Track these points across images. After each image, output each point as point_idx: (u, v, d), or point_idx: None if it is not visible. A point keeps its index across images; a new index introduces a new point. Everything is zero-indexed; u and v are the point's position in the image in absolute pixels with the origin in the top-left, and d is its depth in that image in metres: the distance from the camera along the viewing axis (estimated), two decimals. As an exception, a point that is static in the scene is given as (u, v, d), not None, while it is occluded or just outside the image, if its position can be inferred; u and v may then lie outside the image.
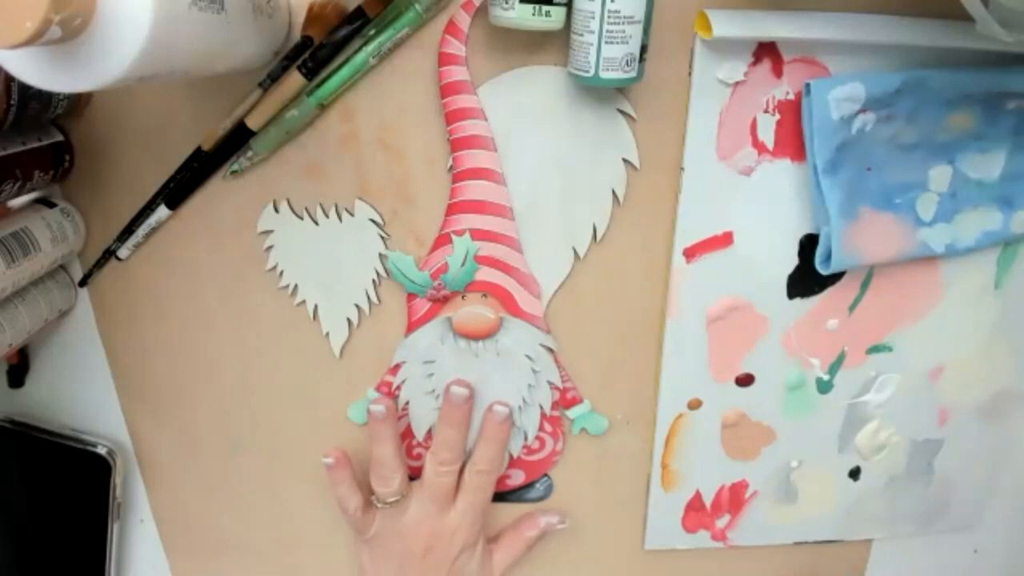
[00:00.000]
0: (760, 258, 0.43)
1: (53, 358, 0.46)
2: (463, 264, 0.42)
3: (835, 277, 0.44)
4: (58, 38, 0.22)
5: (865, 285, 0.45)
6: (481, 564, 0.46)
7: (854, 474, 0.50)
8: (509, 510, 0.50)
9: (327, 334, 0.45)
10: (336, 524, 0.48)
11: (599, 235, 0.42)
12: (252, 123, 0.39)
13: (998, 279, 0.46)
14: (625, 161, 0.41)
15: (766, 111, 0.40)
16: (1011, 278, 0.46)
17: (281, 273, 0.43)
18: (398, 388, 0.46)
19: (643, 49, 0.35)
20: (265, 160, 0.40)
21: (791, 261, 0.44)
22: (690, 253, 0.43)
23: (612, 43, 0.34)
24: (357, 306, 0.44)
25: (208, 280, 0.44)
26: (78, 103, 0.39)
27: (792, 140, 0.40)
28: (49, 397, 0.47)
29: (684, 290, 0.43)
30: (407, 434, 0.47)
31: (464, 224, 0.42)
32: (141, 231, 0.42)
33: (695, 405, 0.47)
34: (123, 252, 0.43)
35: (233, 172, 0.40)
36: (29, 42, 0.21)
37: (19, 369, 0.46)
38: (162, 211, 0.41)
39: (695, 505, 0.50)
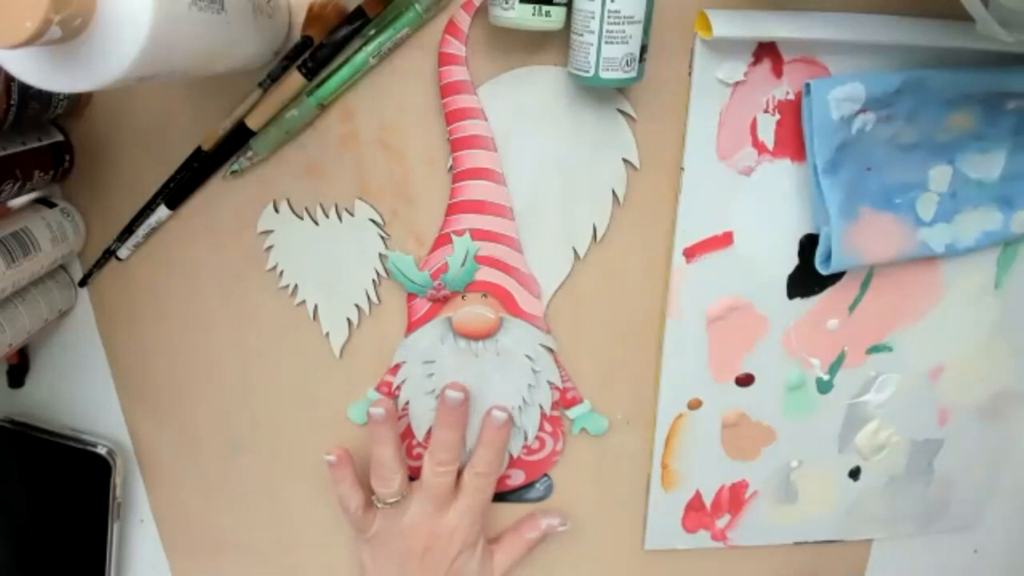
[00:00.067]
0: (760, 258, 0.43)
1: (53, 358, 0.46)
2: (463, 264, 0.42)
3: (835, 277, 0.44)
4: (58, 38, 0.22)
5: (865, 285, 0.45)
6: (481, 564, 0.46)
7: (854, 474, 0.50)
8: (509, 510, 0.50)
9: (327, 334, 0.45)
10: (336, 524, 0.48)
11: (599, 235, 0.42)
12: (252, 123, 0.39)
13: (998, 279, 0.46)
14: (625, 161, 0.41)
15: (766, 111, 0.40)
16: (1011, 278, 0.46)
17: (281, 273, 0.43)
18: (398, 388, 0.46)
19: (643, 49, 0.35)
20: (265, 160, 0.40)
21: (791, 261, 0.44)
22: (690, 253, 0.43)
23: (612, 43, 0.34)
24: (357, 306, 0.44)
25: (208, 280, 0.44)
26: (78, 103, 0.39)
27: (792, 140, 0.40)
28: (49, 397, 0.47)
29: (684, 290, 0.43)
30: (407, 434, 0.47)
31: (464, 224, 0.42)
32: (141, 231, 0.42)
33: (695, 405, 0.47)
34: (123, 252, 0.43)
35: (233, 172, 0.40)
36: (29, 42, 0.21)
37: (19, 369, 0.46)
38: (162, 211, 0.41)
39: (695, 505, 0.50)
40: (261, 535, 0.51)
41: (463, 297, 0.44)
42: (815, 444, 0.49)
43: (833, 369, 0.47)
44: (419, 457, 0.48)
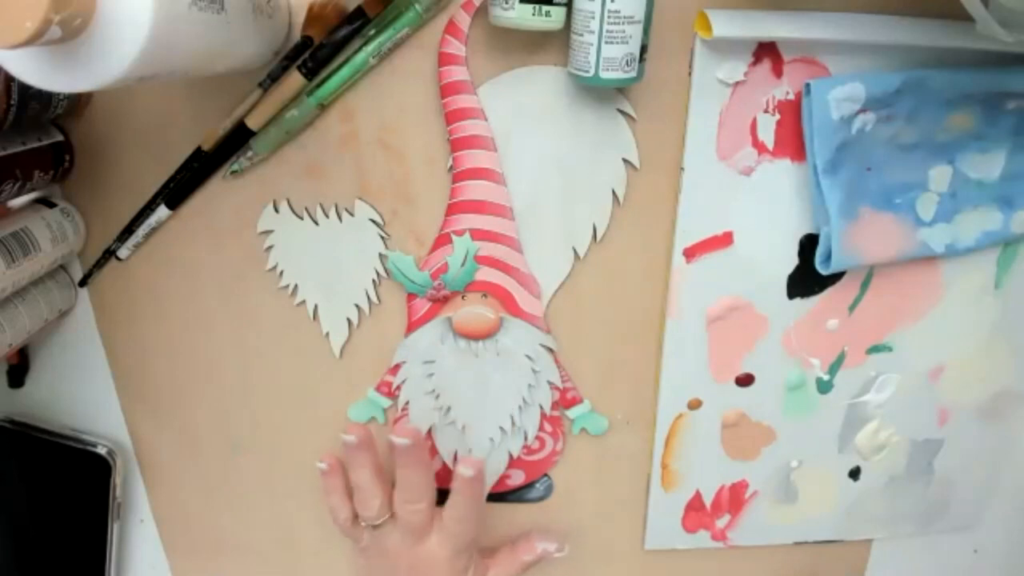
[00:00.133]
0: (760, 258, 0.43)
1: (53, 358, 0.46)
2: (463, 264, 0.42)
3: (835, 277, 0.44)
4: (58, 38, 0.22)
5: (865, 285, 0.45)
6: None
7: (854, 474, 0.50)
8: (509, 510, 0.50)
9: (327, 334, 0.45)
10: (336, 524, 0.48)
11: (599, 235, 0.42)
12: (252, 123, 0.39)
13: (998, 279, 0.46)
14: (625, 161, 0.41)
15: (766, 111, 0.40)
16: (1011, 278, 0.46)
17: (281, 273, 0.43)
18: (398, 388, 0.46)
19: (643, 49, 0.35)
20: (265, 160, 0.40)
21: (791, 261, 0.44)
22: (690, 253, 0.43)
23: (612, 43, 0.34)
24: (357, 306, 0.44)
25: (208, 280, 0.44)
26: (78, 103, 0.39)
27: (792, 140, 0.40)
28: (49, 397, 0.47)
29: (684, 290, 0.43)
30: (407, 434, 0.47)
31: (464, 224, 0.42)
32: (141, 231, 0.42)
33: (695, 405, 0.47)
34: (123, 252, 0.43)
35: (233, 172, 0.40)
36: (29, 42, 0.21)
37: (19, 369, 0.46)
38: (162, 211, 0.41)
39: (695, 505, 0.50)
40: (261, 535, 0.51)
41: (463, 297, 0.44)
42: (815, 444, 0.49)
43: (833, 369, 0.47)
44: (419, 457, 0.48)
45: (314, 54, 0.37)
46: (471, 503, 0.43)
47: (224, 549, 0.51)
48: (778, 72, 0.39)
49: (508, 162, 0.41)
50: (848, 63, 0.39)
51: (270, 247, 0.43)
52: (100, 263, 0.43)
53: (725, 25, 0.36)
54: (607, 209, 0.42)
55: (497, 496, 0.49)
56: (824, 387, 0.47)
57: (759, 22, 0.37)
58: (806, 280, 0.44)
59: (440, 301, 0.44)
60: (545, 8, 0.34)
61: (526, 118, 0.40)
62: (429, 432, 0.47)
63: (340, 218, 0.42)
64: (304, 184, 0.41)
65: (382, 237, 0.42)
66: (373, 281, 0.43)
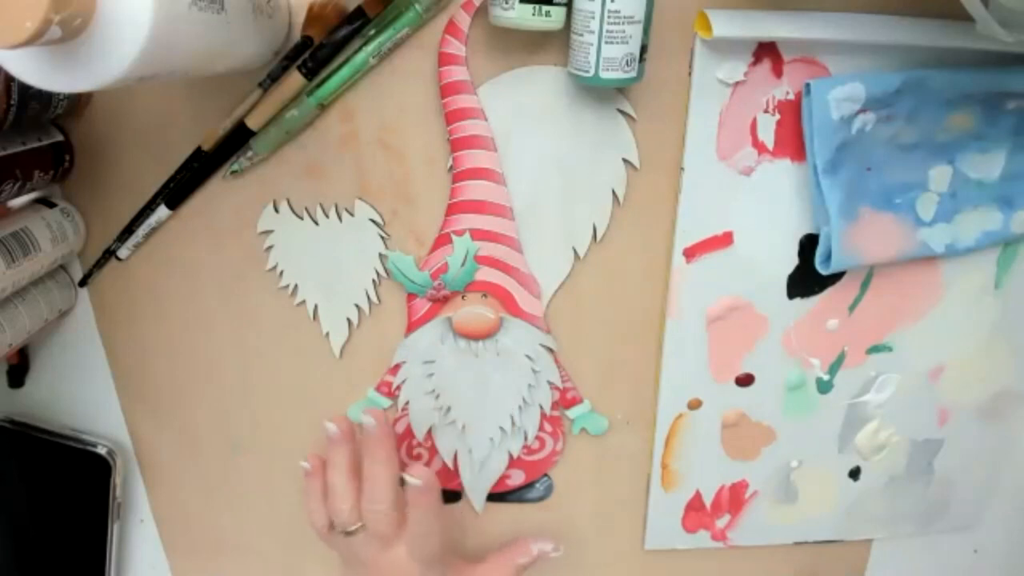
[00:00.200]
0: (760, 258, 0.43)
1: (53, 358, 0.46)
2: (463, 264, 0.42)
3: (835, 277, 0.44)
4: (58, 38, 0.22)
5: (865, 285, 0.45)
6: None
7: (854, 474, 0.50)
8: (509, 510, 0.50)
9: (327, 334, 0.45)
10: (336, 524, 0.48)
11: (599, 235, 0.42)
12: (252, 123, 0.39)
13: (998, 279, 0.46)
14: (625, 161, 0.41)
15: (766, 111, 0.40)
16: (1011, 278, 0.46)
17: (281, 273, 0.43)
18: (398, 388, 0.46)
19: (643, 49, 0.35)
20: (265, 160, 0.40)
21: (791, 261, 0.44)
22: (690, 253, 0.43)
23: (612, 43, 0.34)
24: (357, 306, 0.44)
25: (208, 280, 0.44)
26: (78, 103, 0.39)
27: (792, 140, 0.40)
28: (49, 397, 0.47)
29: (684, 290, 0.43)
30: (407, 434, 0.47)
31: (464, 224, 0.42)
32: (141, 231, 0.42)
33: (695, 405, 0.47)
34: (123, 252, 0.43)
35: (233, 172, 0.40)
36: (29, 42, 0.21)
37: (19, 369, 0.46)
38: (162, 211, 0.41)
39: (695, 505, 0.50)
40: (261, 535, 0.51)
41: (463, 297, 0.44)
42: (815, 444, 0.49)
43: (833, 369, 0.47)
44: (419, 457, 0.48)
45: (314, 54, 0.37)
46: (427, 514, 0.42)
47: (224, 549, 0.51)
48: (778, 72, 0.39)
49: (508, 162, 0.41)
50: (848, 63, 0.39)
51: (270, 247, 0.43)
52: (100, 263, 0.43)
53: (725, 25, 0.36)
54: (607, 209, 0.42)
55: (497, 496, 0.49)
56: (824, 387, 0.47)
57: (759, 22, 0.37)
58: (806, 280, 0.44)
59: (440, 301, 0.44)
60: (545, 8, 0.34)
61: (526, 118, 0.40)
62: (429, 432, 0.47)
63: (340, 218, 0.42)
64: (304, 184, 0.41)
65: (382, 237, 0.42)
66: (373, 281, 0.43)
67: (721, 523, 0.51)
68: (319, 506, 0.44)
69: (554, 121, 0.40)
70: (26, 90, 0.34)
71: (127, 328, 0.45)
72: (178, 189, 0.41)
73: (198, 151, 0.40)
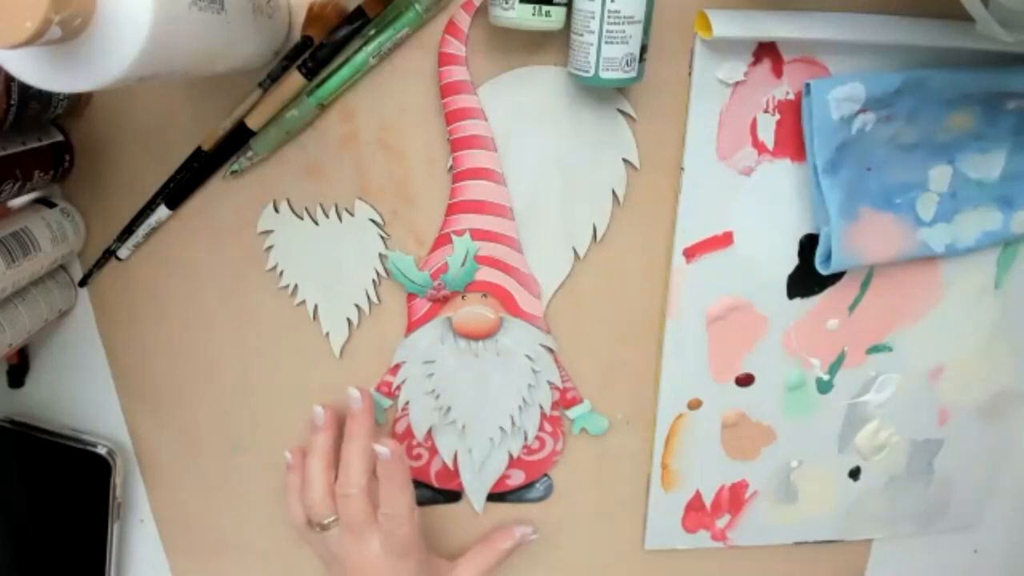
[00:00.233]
0: (760, 258, 0.43)
1: (53, 358, 0.46)
2: (463, 264, 0.42)
3: (835, 277, 0.44)
4: (58, 38, 0.22)
5: (865, 285, 0.45)
6: None
7: (854, 474, 0.50)
8: (509, 510, 0.50)
9: (327, 334, 0.45)
10: (336, 524, 0.48)
11: (599, 235, 0.42)
12: (252, 123, 0.39)
13: (998, 279, 0.46)
14: (625, 161, 0.41)
15: (766, 111, 0.40)
16: (1011, 278, 0.46)
17: (281, 273, 0.43)
18: (398, 388, 0.46)
19: (643, 49, 0.35)
20: (265, 160, 0.40)
21: (791, 261, 0.44)
22: (690, 253, 0.43)
23: (612, 43, 0.34)
24: (357, 306, 0.44)
25: (208, 280, 0.44)
26: (78, 103, 0.39)
27: (792, 140, 0.40)
28: (49, 397, 0.47)
29: (684, 290, 0.43)
30: (407, 434, 0.47)
31: (464, 224, 0.42)
32: (141, 231, 0.42)
33: (695, 405, 0.47)
34: (123, 252, 0.43)
35: (233, 172, 0.40)
36: (29, 42, 0.21)
37: (19, 369, 0.46)
38: (162, 211, 0.41)
39: (695, 505, 0.50)
40: (261, 535, 0.51)
41: (463, 297, 0.44)
42: (815, 444, 0.49)
43: (833, 369, 0.47)
44: (419, 457, 0.48)
45: (314, 54, 0.37)
46: (396, 492, 0.41)
47: (224, 549, 0.51)
48: (778, 72, 0.39)
49: (508, 162, 0.41)
50: (848, 63, 0.39)
51: (270, 247, 0.43)
52: (100, 263, 0.43)
53: (725, 25, 0.36)
54: (607, 209, 0.42)
55: (497, 496, 0.49)
56: (824, 387, 0.47)
57: (759, 22, 0.37)
58: (806, 280, 0.44)
59: (440, 301, 0.44)
60: (545, 8, 0.34)
61: (526, 118, 0.40)
62: (429, 432, 0.47)
63: (340, 218, 0.42)
64: (304, 184, 0.41)
65: (382, 237, 0.42)
66: (373, 281, 0.43)
67: (721, 523, 0.51)
68: (297, 501, 0.44)
69: (554, 121, 0.40)
70: (26, 90, 0.34)
71: (127, 328, 0.45)
72: (178, 189, 0.41)
73: (198, 151, 0.40)
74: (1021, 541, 0.56)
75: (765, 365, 0.46)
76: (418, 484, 0.48)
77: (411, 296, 0.44)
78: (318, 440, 0.43)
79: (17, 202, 0.40)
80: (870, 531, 0.53)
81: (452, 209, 0.42)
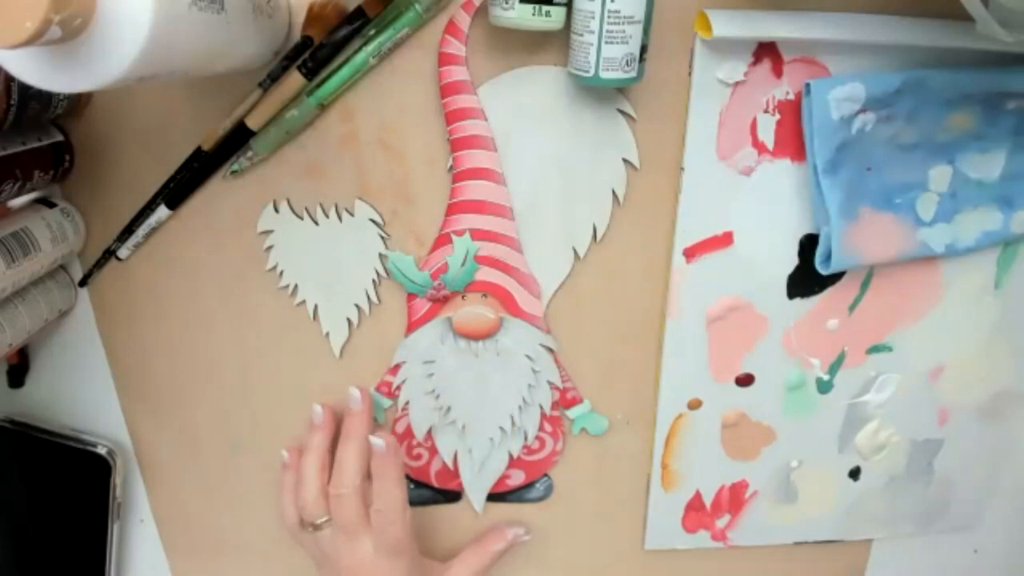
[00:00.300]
0: (760, 258, 0.43)
1: (53, 358, 0.46)
2: (463, 264, 0.42)
3: (835, 277, 0.44)
4: (58, 38, 0.22)
5: (865, 285, 0.45)
6: None
7: (854, 474, 0.50)
8: (509, 510, 0.50)
9: (327, 334, 0.45)
10: (336, 524, 0.48)
11: (599, 235, 0.42)
12: (252, 123, 0.39)
13: (998, 279, 0.46)
14: (625, 161, 0.41)
15: (766, 111, 0.40)
16: (1011, 278, 0.46)
17: (281, 273, 0.43)
18: (398, 388, 0.46)
19: (643, 49, 0.35)
20: (265, 160, 0.40)
21: (791, 261, 0.44)
22: (690, 253, 0.43)
23: (612, 43, 0.34)
24: (357, 306, 0.44)
25: (208, 280, 0.44)
26: (78, 103, 0.39)
27: (792, 140, 0.40)
28: (49, 397, 0.47)
29: (684, 290, 0.43)
30: (407, 434, 0.47)
31: (464, 224, 0.42)
32: (141, 231, 0.42)
33: (695, 405, 0.47)
34: (123, 252, 0.43)
35: (233, 172, 0.40)
36: (29, 42, 0.21)
37: (19, 369, 0.46)
38: (162, 211, 0.41)
39: (695, 505, 0.50)
40: (261, 535, 0.51)
41: (463, 297, 0.44)
42: (815, 444, 0.49)
43: (833, 369, 0.47)
44: (419, 457, 0.48)
45: (314, 54, 0.37)
46: (390, 488, 0.41)
47: (224, 549, 0.51)
48: (778, 72, 0.39)
49: (508, 162, 0.41)
50: (848, 63, 0.39)
51: (270, 247, 0.43)
52: (100, 263, 0.43)
53: (725, 25, 0.36)
54: (607, 209, 0.42)
55: (497, 496, 0.49)
56: (824, 387, 0.47)
57: (759, 22, 0.37)
58: (806, 280, 0.44)
59: (440, 301, 0.44)
60: (545, 8, 0.34)
61: (526, 118, 0.40)
62: (429, 432, 0.47)
63: (340, 218, 0.42)
64: (304, 184, 0.41)
65: (382, 237, 0.42)
66: (373, 281, 0.43)
67: (721, 523, 0.51)
68: (290, 500, 0.44)
69: (554, 121, 0.40)
70: (26, 90, 0.34)
71: (127, 328, 0.45)
72: (178, 189, 0.41)
73: (198, 151, 0.40)
74: (1021, 541, 0.56)
75: (765, 365, 0.46)
76: (418, 484, 0.48)
77: (411, 296, 0.44)
78: (315, 439, 0.43)
79: (17, 202, 0.40)
80: (870, 531, 0.53)
81: (452, 209, 0.42)
